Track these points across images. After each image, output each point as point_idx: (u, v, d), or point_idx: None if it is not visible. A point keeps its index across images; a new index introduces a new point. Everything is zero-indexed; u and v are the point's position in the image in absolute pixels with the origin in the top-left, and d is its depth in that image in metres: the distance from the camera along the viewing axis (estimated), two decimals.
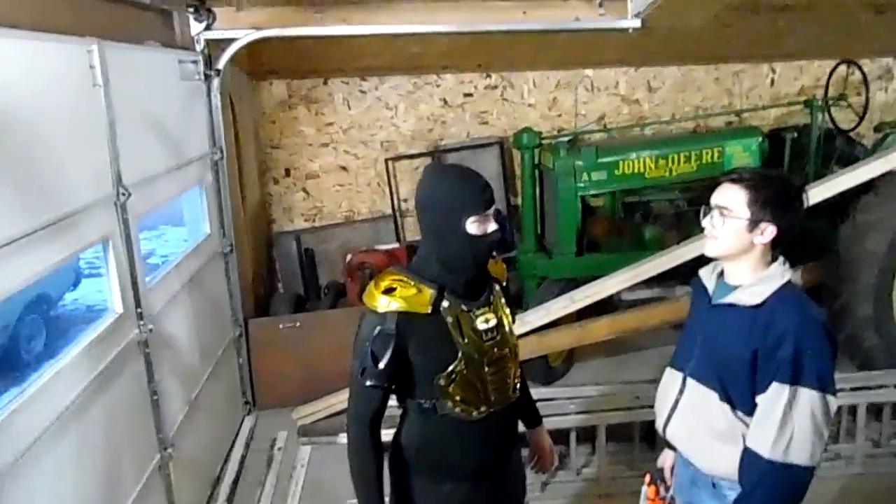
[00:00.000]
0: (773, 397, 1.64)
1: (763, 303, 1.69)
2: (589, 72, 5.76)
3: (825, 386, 1.63)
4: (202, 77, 3.80)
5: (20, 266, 1.93)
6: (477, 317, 1.76)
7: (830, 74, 4.92)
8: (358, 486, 1.80)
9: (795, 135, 4.84)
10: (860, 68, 4.68)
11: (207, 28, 3.77)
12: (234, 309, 4.21)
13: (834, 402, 1.66)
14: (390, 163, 5.68)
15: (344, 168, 5.74)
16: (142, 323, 2.69)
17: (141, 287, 2.70)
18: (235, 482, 3.61)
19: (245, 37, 3.79)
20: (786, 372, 1.62)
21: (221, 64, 3.87)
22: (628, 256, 4.24)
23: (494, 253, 1.89)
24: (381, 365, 1.68)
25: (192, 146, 3.60)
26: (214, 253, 3.94)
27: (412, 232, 5.81)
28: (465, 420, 1.77)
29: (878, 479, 3.38)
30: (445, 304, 1.72)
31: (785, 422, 1.62)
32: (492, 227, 1.71)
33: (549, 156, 4.61)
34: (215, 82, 3.89)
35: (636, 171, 4.57)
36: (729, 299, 1.75)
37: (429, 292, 1.71)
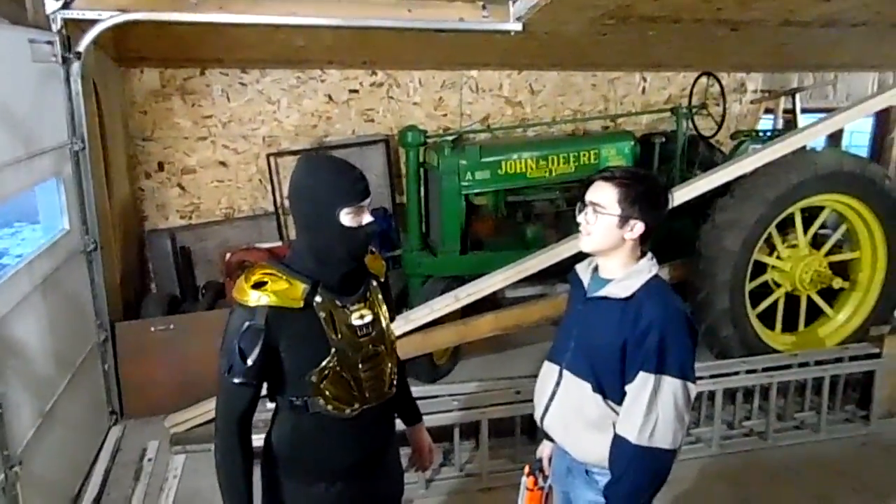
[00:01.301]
0: (640, 386, 1.73)
1: (632, 295, 1.78)
2: (474, 73, 5.85)
3: (686, 374, 1.74)
4: (59, 60, 3.49)
5: None
6: (351, 312, 1.72)
7: (693, 85, 5.29)
8: (225, 489, 1.73)
9: (664, 139, 5.15)
10: (718, 81, 5.06)
11: (65, 6, 3.47)
12: (100, 311, 3.90)
13: (694, 390, 1.77)
14: (272, 158, 5.50)
15: (223, 163, 5.50)
16: None
17: None
18: (98, 499, 3.34)
19: (109, 18, 3.52)
20: (651, 361, 1.71)
21: (82, 47, 3.57)
22: (511, 254, 4.35)
23: (374, 249, 1.88)
24: (250, 361, 1.63)
25: (46, 135, 3.29)
26: (75, 251, 3.63)
27: (294, 230, 5.65)
28: (338, 418, 1.73)
29: (733, 458, 3.67)
30: (318, 298, 1.68)
31: (650, 409, 1.71)
32: (366, 218, 1.68)
33: (434, 154, 4.64)
34: (75, 66, 3.58)
35: (518, 170, 4.69)
36: (602, 292, 1.83)
37: (301, 286, 1.66)
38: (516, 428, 3.54)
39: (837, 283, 4.39)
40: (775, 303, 4.45)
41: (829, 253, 4.44)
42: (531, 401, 3.30)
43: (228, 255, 4.87)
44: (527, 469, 2.14)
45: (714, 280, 4.12)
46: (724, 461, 3.64)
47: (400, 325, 3.95)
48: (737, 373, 3.75)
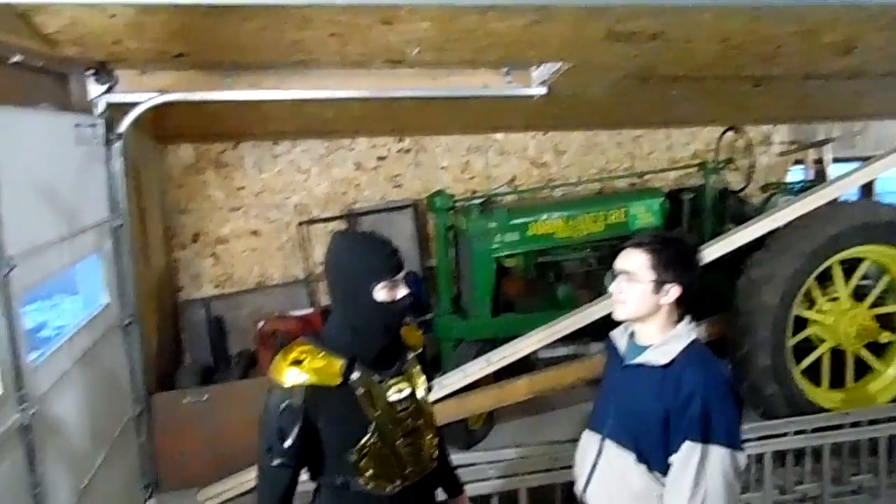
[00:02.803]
0: (686, 456, 1.68)
1: (672, 362, 1.74)
2: (499, 136, 5.95)
3: (733, 442, 1.69)
4: (102, 141, 3.64)
5: None
6: (389, 387, 1.72)
7: (720, 139, 5.30)
8: None
9: (692, 195, 5.14)
10: (745, 134, 5.06)
11: (109, 91, 3.64)
12: (136, 385, 3.93)
13: (743, 458, 1.70)
14: (304, 226, 5.59)
15: (255, 233, 5.60)
16: (24, 406, 2.45)
17: (24, 366, 2.48)
18: None
19: (149, 101, 3.68)
20: (696, 430, 1.67)
21: (123, 128, 3.72)
22: (543, 316, 4.30)
23: (409, 318, 1.87)
24: (289, 442, 1.63)
25: (88, 213, 3.40)
26: (113, 325, 3.69)
27: (327, 297, 5.68)
28: (380, 496, 1.70)
29: None
30: (356, 374, 1.67)
31: (698, 480, 1.66)
32: (401, 292, 1.70)
33: (463, 218, 4.68)
34: (116, 147, 3.73)
35: (547, 231, 4.69)
36: (640, 360, 1.80)
37: (338, 363, 1.66)
38: (556, 496, 3.42)
39: (885, 336, 4.24)
40: (820, 359, 4.30)
41: (874, 305, 4.30)
42: (570, 467, 3.21)
43: (261, 323, 4.90)
44: None
45: (754, 336, 4.02)
46: None
47: (434, 391, 3.89)
48: (784, 434, 3.60)
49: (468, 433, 4.30)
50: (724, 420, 1.68)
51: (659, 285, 1.75)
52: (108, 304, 3.64)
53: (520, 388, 4.13)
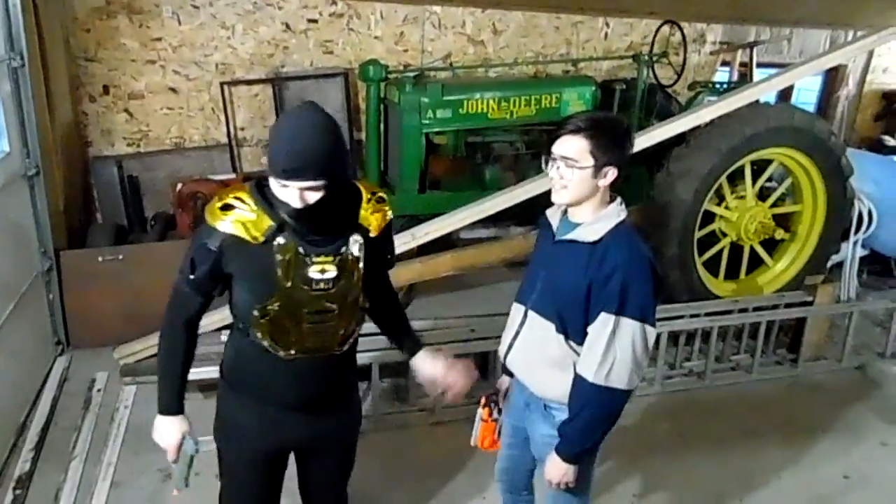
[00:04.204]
0: (600, 326, 1.79)
1: (600, 239, 1.81)
2: (437, 8, 5.69)
3: (646, 317, 1.80)
4: None
5: None
6: (313, 263, 1.67)
7: (656, 33, 5.30)
8: (159, 375, 1.83)
9: (624, 87, 5.18)
10: (681, 30, 5.08)
11: None
12: (43, 240, 3.77)
13: (653, 333, 1.84)
14: (226, 87, 5.28)
15: (173, 90, 5.25)
16: None
17: None
18: (45, 428, 3.30)
19: None
20: (613, 303, 1.77)
21: None
22: (469, 195, 4.35)
23: (383, 197, 1.82)
24: (196, 275, 1.70)
25: None
26: (16, 175, 3.47)
27: (250, 163, 5.50)
28: (274, 354, 1.75)
29: (673, 397, 3.87)
30: (281, 240, 1.63)
31: (609, 349, 1.78)
32: (294, 199, 1.56)
33: (395, 91, 4.55)
34: None
35: (480, 111, 4.64)
36: (571, 236, 1.87)
37: (267, 223, 1.63)
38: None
39: (779, 234, 4.57)
40: (721, 252, 4.61)
41: (774, 205, 4.60)
42: (486, 338, 3.41)
43: (180, 185, 4.71)
44: (483, 401, 2.20)
45: (666, 228, 4.23)
46: (665, 399, 3.84)
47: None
48: (682, 317, 3.91)
49: None
50: (640, 296, 1.78)
51: (598, 169, 1.79)
52: (9, 153, 3.40)
53: (443, 263, 4.23)
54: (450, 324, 3.72)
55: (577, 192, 1.82)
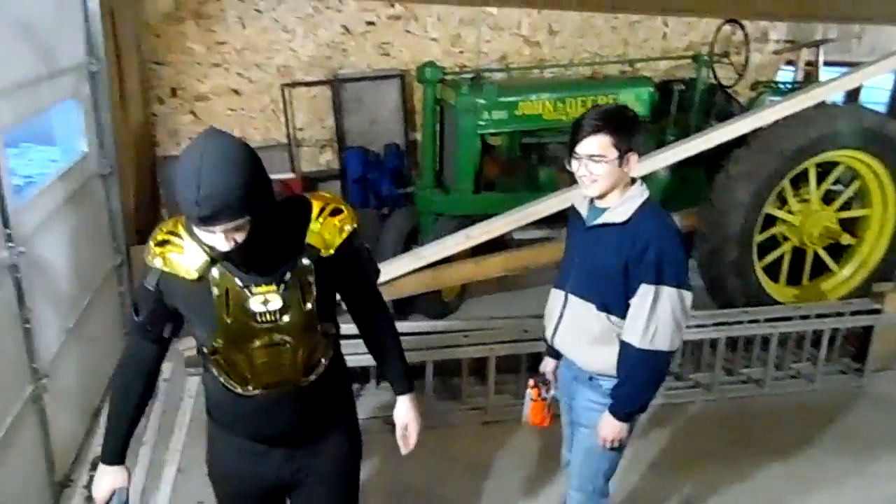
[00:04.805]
0: (642, 297, 1.95)
1: (629, 219, 1.97)
2: (493, 10, 5.72)
3: (681, 283, 1.96)
4: None
5: None
6: (253, 294, 1.52)
7: (717, 32, 5.19)
8: (106, 420, 1.75)
9: (683, 87, 5.09)
10: (743, 28, 4.96)
11: None
12: (116, 235, 3.96)
13: (689, 297, 1.99)
14: (286, 89, 5.44)
15: (236, 91, 5.44)
16: (11, 245, 2.48)
17: (9, 206, 2.48)
18: None
19: None
20: (650, 274, 1.93)
21: None
22: (523, 196, 4.36)
23: (342, 208, 1.64)
24: (139, 318, 1.62)
25: (65, 54, 3.27)
26: (92, 174, 3.66)
27: (309, 162, 5.66)
28: (234, 391, 1.63)
29: (731, 404, 3.79)
30: (215, 273, 1.51)
31: (651, 316, 1.94)
32: (220, 244, 1.41)
33: (451, 92, 4.59)
34: None
35: (535, 112, 4.65)
36: (601, 220, 2.02)
37: (202, 258, 1.51)
38: (521, 365, 3.64)
39: (846, 239, 4.42)
40: (782, 256, 4.49)
41: (840, 209, 4.45)
42: (538, 339, 3.42)
43: None
44: (531, 382, 2.35)
45: (724, 231, 4.15)
46: (721, 406, 3.77)
47: (411, 262, 4.01)
48: (740, 322, 3.83)
49: (442, 304, 4.48)
50: (674, 264, 1.94)
51: (622, 157, 1.93)
52: (87, 153, 3.59)
53: (496, 263, 4.26)
54: (502, 324, 3.74)
55: (607, 182, 1.95)
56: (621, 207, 1.98)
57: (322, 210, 1.60)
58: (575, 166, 1.98)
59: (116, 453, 1.72)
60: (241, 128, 5.52)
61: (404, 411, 1.87)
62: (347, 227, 1.61)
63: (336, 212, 1.61)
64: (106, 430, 1.73)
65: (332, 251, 1.58)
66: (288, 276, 1.53)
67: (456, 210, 4.62)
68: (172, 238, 1.53)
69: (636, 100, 4.80)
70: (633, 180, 2.02)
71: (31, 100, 2.84)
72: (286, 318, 1.55)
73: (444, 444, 3.32)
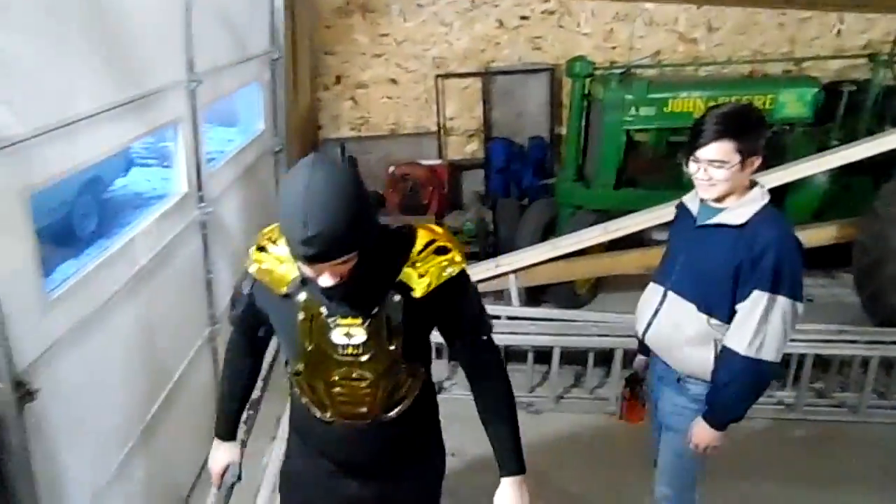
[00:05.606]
0: (753, 303, 1.86)
1: (747, 222, 1.87)
2: (649, 5, 5.63)
3: (796, 295, 1.87)
4: None
5: (106, 135, 2.10)
6: (336, 326, 1.43)
7: None
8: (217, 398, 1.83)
9: (854, 88, 4.74)
10: None
11: None
12: None
13: (801, 308, 1.89)
14: (440, 80, 5.71)
15: (394, 81, 5.80)
16: (202, 205, 2.89)
17: (203, 171, 2.89)
18: (271, 366, 3.88)
19: None
20: (766, 281, 1.83)
21: None
22: (666, 194, 4.28)
23: (425, 249, 1.45)
24: (235, 312, 1.65)
25: (254, 43, 3.70)
26: (266, 150, 4.10)
27: (455, 151, 5.91)
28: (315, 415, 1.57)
29: (883, 428, 3.50)
30: (302, 295, 1.43)
31: (761, 324, 1.85)
32: (324, 280, 1.31)
33: (600, 87, 4.61)
34: None
35: (685, 110, 4.54)
36: (716, 220, 1.92)
37: (292, 274, 1.43)
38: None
39: None
40: None
41: None
42: None
43: (392, 167, 5.22)
44: (624, 382, 2.37)
45: (887, 243, 3.85)
46: (875, 428, 3.50)
47: (547, 251, 4.10)
48: (855, 341, 3.53)
49: (574, 295, 4.53)
50: (792, 274, 1.84)
51: (744, 161, 1.84)
52: (263, 131, 4.03)
53: (631, 259, 4.25)
54: (632, 319, 3.73)
55: (727, 187, 1.87)
56: (739, 209, 1.88)
57: (427, 245, 1.44)
58: (693, 168, 1.89)
59: (226, 430, 1.79)
60: (396, 115, 5.89)
61: (509, 500, 1.58)
62: (450, 270, 1.44)
63: (442, 250, 1.44)
64: (218, 410, 1.81)
65: (426, 293, 1.42)
66: (375, 310, 1.42)
67: (595, 204, 4.64)
68: (269, 246, 1.47)
69: (798, 100, 4.55)
70: (754, 183, 1.92)
71: (228, 81, 3.27)
72: (367, 356, 1.45)
73: (570, 429, 3.39)
